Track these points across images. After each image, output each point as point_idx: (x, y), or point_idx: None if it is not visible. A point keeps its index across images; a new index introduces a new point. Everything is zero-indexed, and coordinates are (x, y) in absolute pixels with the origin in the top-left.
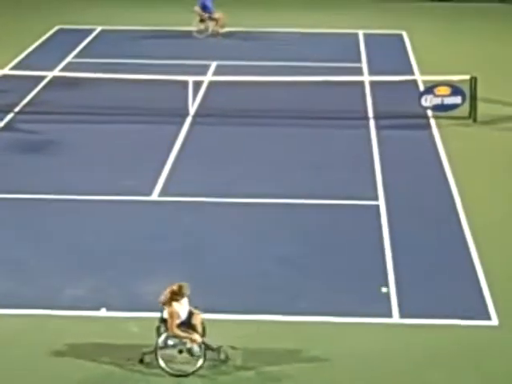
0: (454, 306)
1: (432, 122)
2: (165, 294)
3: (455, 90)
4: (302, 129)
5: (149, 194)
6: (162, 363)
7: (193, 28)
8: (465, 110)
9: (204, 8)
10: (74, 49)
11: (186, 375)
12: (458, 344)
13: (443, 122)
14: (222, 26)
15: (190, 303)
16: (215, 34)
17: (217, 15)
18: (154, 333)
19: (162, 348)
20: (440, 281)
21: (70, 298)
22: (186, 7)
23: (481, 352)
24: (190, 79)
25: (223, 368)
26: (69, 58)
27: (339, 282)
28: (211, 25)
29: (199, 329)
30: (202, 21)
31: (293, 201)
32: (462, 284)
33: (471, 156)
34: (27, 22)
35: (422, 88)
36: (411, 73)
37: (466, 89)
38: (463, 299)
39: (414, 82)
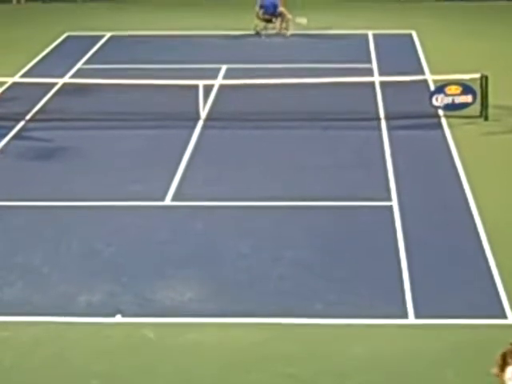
0: (469, 306)
1: (443, 121)
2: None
3: (466, 88)
4: (313, 131)
5: (162, 198)
6: None
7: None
8: (476, 108)
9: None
10: (83, 55)
11: None
12: (474, 343)
13: (454, 121)
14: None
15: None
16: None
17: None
18: (169, 338)
19: None
20: (455, 281)
21: (84, 304)
22: (194, 12)
23: (498, 351)
24: (201, 83)
25: None
26: (79, 65)
27: (354, 283)
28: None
29: None
30: (269, 21)
31: (306, 203)
32: (477, 283)
33: (483, 155)
34: (36, 29)
35: (432, 87)
36: (421, 72)
37: (477, 87)
38: (479, 298)
39: (425, 81)
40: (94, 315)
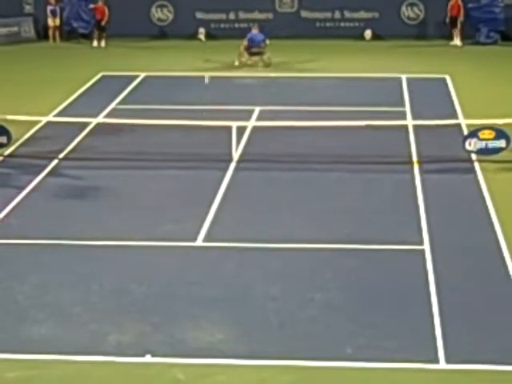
0: (502, 352)
1: (476, 165)
2: None
3: (499, 133)
4: (345, 174)
5: (193, 239)
6: None
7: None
8: (509, 153)
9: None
10: (117, 95)
11: None
12: None
13: (488, 165)
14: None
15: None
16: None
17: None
18: (198, 380)
19: None
20: (487, 325)
21: (114, 344)
22: (230, 54)
23: None
24: (234, 124)
25: None
26: (113, 105)
27: (385, 327)
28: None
29: None
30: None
31: (337, 246)
32: (511, 328)
33: None
34: (71, 69)
35: (465, 132)
36: (455, 117)
37: (511, 132)
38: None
39: (458, 125)
40: (124, 355)
